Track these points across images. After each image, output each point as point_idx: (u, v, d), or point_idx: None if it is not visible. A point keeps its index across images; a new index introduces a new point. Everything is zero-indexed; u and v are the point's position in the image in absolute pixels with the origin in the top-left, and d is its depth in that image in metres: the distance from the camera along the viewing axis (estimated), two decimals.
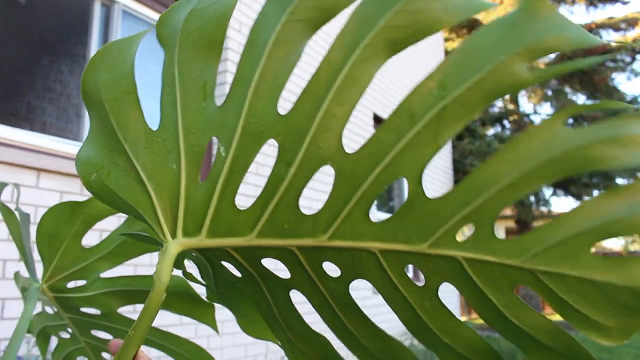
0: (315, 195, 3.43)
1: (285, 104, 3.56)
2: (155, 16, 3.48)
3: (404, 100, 0.44)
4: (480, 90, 0.42)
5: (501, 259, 0.44)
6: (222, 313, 3.05)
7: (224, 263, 0.55)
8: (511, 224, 13.02)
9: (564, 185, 11.69)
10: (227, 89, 3.50)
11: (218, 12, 0.49)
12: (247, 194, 2.99)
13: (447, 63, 0.43)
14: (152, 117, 0.49)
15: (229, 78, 3.68)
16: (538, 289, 0.44)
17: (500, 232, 14.16)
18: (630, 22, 13.54)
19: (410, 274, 1.61)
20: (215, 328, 0.74)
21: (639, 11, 13.71)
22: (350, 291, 0.52)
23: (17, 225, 0.74)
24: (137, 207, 0.49)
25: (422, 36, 0.44)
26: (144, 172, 0.49)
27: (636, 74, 13.38)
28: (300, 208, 0.49)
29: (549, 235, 0.42)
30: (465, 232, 0.46)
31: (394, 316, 0.51)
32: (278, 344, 0.61)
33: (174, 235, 0.50)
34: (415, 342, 5.12)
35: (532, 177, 0.42)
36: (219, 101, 0.47)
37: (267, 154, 3.16)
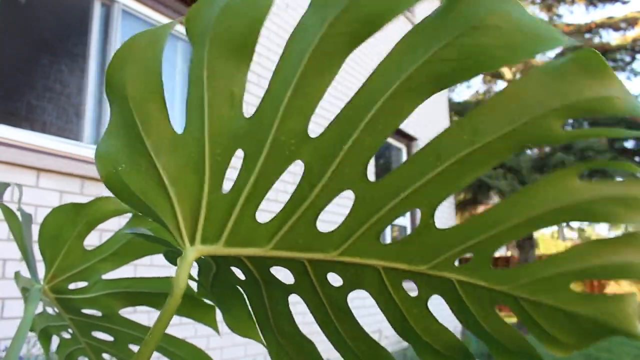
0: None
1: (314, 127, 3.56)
2: (155, 16, 3.48)
3: (433, 140, 0.44)
4: (510, 139, 0.42)
5: (491, 285, 0.48)
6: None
7: (232, 267, 0.55)
8: None
9: None
10: (247, 97, 3.50)
11: (253, 12, 0.46)
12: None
13: (481, 109, 0.42)
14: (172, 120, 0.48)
15: (250, 87, 3.68)
16: (515, 311, 0.48)
17: None
18: (630, 22, 13.55)
19: None
20: (216, 329, 0.74)
21: (639, 11, 13.72)
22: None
23: (18, 225, 0.74)
24: (157, 210, 0.49)
25: (475, 74, 0.41)
26: (167, 176, 0.48)
27: (636, 74, 13.39)
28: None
29: (537, 270, 0.46)
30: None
31: (376, 309, 0.53)
32: (263, 344, 0.62)
33: (192, 242, 0.49)
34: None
35: (537, 222, 0.44)
36: (247, 109, 0.46)
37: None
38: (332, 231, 0.49)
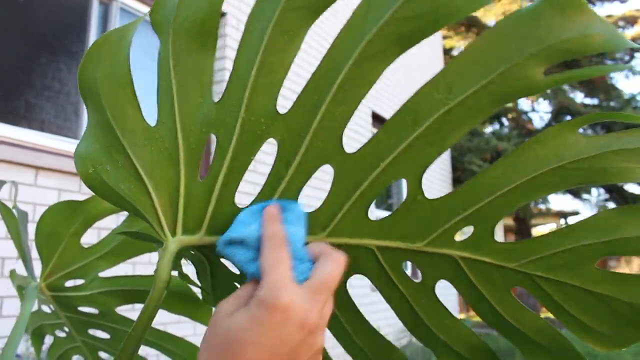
0: (313, 192, 3.44)
1: (284, 102, 3.55)
2: None
3: (407, 102, 0.43)
4: (489, 93, 0.40)
5: (499, 261, 0.45)
6: None
7: (223, 261, 0.55)
8: (509, 221, 13.03)
9: None
10: (223, 85, 3.50)
11: None
12: (246, 192, 2.98)
13: (454, 63, 0.41)
14: (151, 113, 0.48)
15: (228, 76, 3.67)
16: (534, 292, 0.44)
17: (498, 230, 14.18)
18: (629, 21, 13.55)
19: (409, 272, 1.60)
20: None
21: (638, 9, 13.71)
22: (348, 288, 0.52)
23: (15, 223, 0.74)
24: (137, 204, 0.49)
25: (438, 28, 0.40)
26: (143, 169, 0.48)
27: (634, 72, 13.39)
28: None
29: (552, 243, 0.43)
30: (465, 232, 0.46)
31: (391, 313, 0.51)
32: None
33: (173, 233, 0.49)
34: (414, 339, 5.13)
35: (539, 184, 0.41)
36: (216, 97, 0.46)
37: (267, 152, 3.14)
38: (317, 210, 0.48)
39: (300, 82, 4.34)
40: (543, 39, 0.37)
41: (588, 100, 12.07)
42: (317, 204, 0.47)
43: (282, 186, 0.47)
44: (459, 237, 0.46)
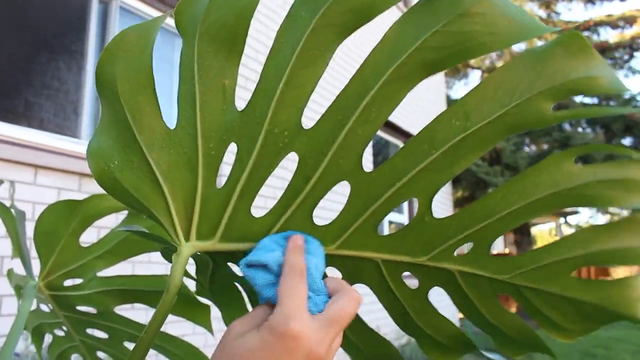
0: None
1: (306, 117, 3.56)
2: (153, 13, 3.47)
3: (426, 128, 0.44)
4: (502, 123, 0.43)
5: (491, 274, 0.49)
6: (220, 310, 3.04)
7: (229, 264, 0.55)
8: None
9: None
10: (239, 91, 3.50)
11: (241, 3, 0.46)
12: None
13: (472, 94, 0.43)
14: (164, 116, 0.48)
15: (241, 82, 3.67)
16: (517, 298, 0.49)
17: None
18: (628, 20, 13.55)
19: None
20: (210, 330, 0.74)
21: (637, 9, 13.72)
22: None
23: (13, 222, 0.74)
24: (151, 207, 0.48)
25: (462, 59, 0.42)
26: (160, 172, 0.48)
27: (634, 72, 13.40)
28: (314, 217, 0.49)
29: (537, 258, 0.47)
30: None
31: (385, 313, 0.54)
32: None
33: (187, 238, 0.49)
34: (412, 340, 5.13)
35: (534, 208, 0.45)
36: (242, 104, 0.45)
37: (285, 167, 3.14)
38: (329, 224, 0.49)
39: (323, 98, 4.35)
40: (552, 78, 0.41)
41: (588, 100, 12.07)
42: (324, 214, 0.48)
43: (299, 200, 0.48)
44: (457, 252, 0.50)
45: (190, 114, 0.47)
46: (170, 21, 3.38)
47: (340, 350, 0.58)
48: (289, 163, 2.84)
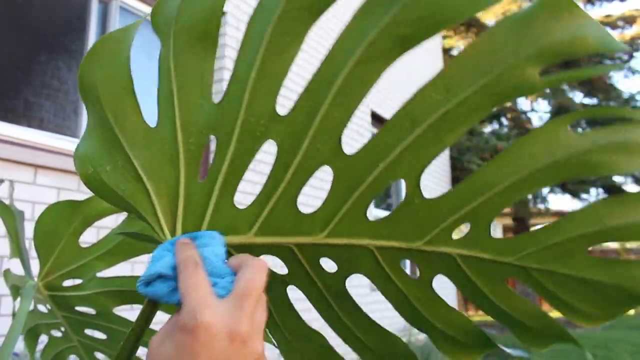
0: (312, 192, 3.45)
1: (284, 103, 3.55)
2: None
3: (406, 103, 0.43)
4: (486, 94, 0.41)
5: (495, 256, 0.46)
6: None
7: None
8: (508, 221, 13.04)
9: (562, 183, 11.71)
10: (224, 86, 3.49)
11: (211, 0, 0.46)
12: (246, 191, 2.97)
13: (452, 65, 0.41)
14: (150, 114, 0.48)
15: (227, 75, 3.67)
16: (528, 282, 0.46)
17: (497, 230, 14.19)
18: (628, 20, 13.55)
19: (407, 268, 1.59)
20: None
21: (637, 9, 13.72)
22: (347, 287, 0.52)
23: (13, 221, 0.74)
24: (137, 205, 0.49)
25: (437, 30, 0.40)
26: (143, 170, 0.48)
27: (634, 72, 13.41)
28: (298, 205, 0.49)
29: (544, 237, 0.44)
30: (462, 229, 0.47)
31: (393, 313, 0.52)
32: (273, 344, 0.61)
33: (173, 234, 0.49)
34: (413, 339, 5.14)
35: (532, 181, 0.42)
36: (216, 98, 0.46)
37: (268, 152, 3.13)
38: (316, 211, 0.48)
39: (299, 83, 4.34)
40: (537, 41, 0.38)
41: (587, 100, 12.07)
42: (318, 203, 0.47)
43: (281, 188, 0.48)
44: (456, 234, 0.47)
45: (169, 111, 0.48)
46: None
47: (349, 349, 0.57)
48: (270, 157, 2.83)
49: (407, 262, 4.61)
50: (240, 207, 0.49)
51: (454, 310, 0.50)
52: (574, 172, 0.41)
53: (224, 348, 0.36)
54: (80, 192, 2.76)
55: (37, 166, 2.59)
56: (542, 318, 0.47)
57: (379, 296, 0.52)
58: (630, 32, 13.62)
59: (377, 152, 0.45)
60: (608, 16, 13.78)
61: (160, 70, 0.48)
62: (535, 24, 0.38)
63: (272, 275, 0.54)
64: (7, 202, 0.83)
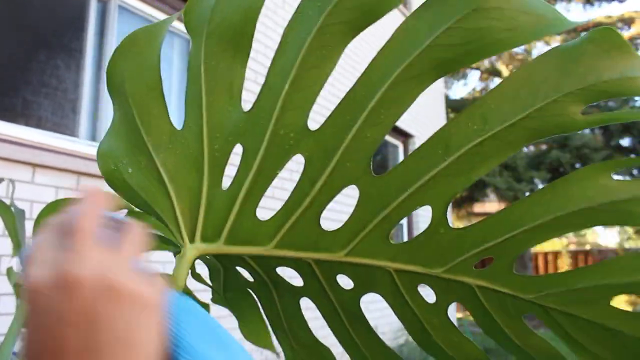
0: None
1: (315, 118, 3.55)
2: (151, 12, 3.46)
3: (441, 130, 0.42)
4: (523, 128, 0.39)
5: (514, 291, 0.45)
6: (218, 309, 3.04)
7: (238, 269, 0.54)
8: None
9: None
10: (244, 93, 3.48)
11: (247, 3, 0.45)
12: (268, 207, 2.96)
13: (491, 95, 0.40)
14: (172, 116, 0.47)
15: (245, 82, 3.66)
16: (547, 322, 0.45)
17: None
18: (627, 21, 13.56)
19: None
20: None
21: (636, 10, 13.74)
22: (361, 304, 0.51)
23: (13, 220, 0.73)
24: (157, 207, 0.48)
25: (478, 58, 0.39)
26: (166, 173, 0.47)
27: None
28: (321, 221, 0.48)
29: (571, 280, 0.43)
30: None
31: (389, 312, 0.51)
32: (276, 354, 0.61)
33: (192, 240, 0.48)
34: (410, 339, 5.13)
35: (562, 224, 0.41)
36: (244, 106, 0.44)
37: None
38: (338, 230, 0.47)
39: (332, 100, 4.34)
40: (583, 78, 0.37)
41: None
42: (337, 216, 0.46)
43: (305, 203, 0.47)
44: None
45: (196, 115, 0.47)
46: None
47: (342, 349, 0.56)
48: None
49: None
50: (262, 220, 0.48)
51: (466, 339, 0.49)
52: (610, 220, 0.40)
53: (57, 300, 0.29)
54: (78, 191, 2.75)
55: (35, 165, 2.59)
56: (554, 356, 0.46)
57: (376, 296, 0.52)
58: (629, 33, 13.63)
59: (406, 176, 0.44)
60: (608, 17, 13.79)
61: (190, 73, 0.47)
62: (581, 60, 0.37)
63: (287, 285, 0.53)
64: (7, 201, 0.82)
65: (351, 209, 0.47)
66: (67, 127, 3.23)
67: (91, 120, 3.09)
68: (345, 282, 0.49)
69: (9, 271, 0.73)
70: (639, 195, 0.38)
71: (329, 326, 0.54)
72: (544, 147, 11.33)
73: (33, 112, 3.76)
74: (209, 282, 0.62)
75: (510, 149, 0.41)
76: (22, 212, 0.75)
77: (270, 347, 0.61)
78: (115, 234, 0.33)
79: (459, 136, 0.41)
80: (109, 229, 0.34)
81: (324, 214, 0.48)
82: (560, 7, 14.24)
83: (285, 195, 0.46)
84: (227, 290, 0.58)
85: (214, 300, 0.67)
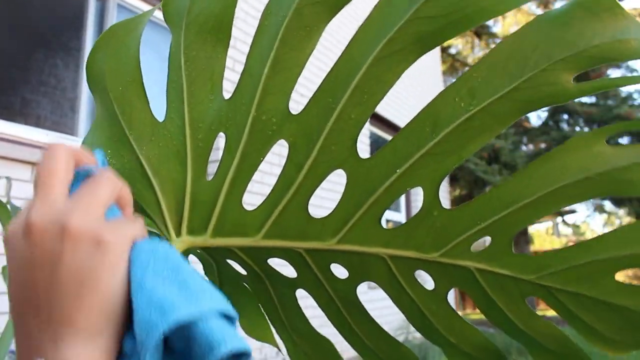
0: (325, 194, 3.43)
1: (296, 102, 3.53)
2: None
3: (426, 107, 0.41)
4: (513, 100, 0.38)
5: (515, 273, 0.43)
6: None
7: (230, 262, 0.54)
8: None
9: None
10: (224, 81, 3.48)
11: None
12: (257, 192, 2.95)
13: (478, 67, 0.38)
14: (156, 108, 0.46)
15: (225, 70, 3.65)
16: (550, 303, 0.43)
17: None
18: None
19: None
20: None
21: (635, 7, 13.74)
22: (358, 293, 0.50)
23: (9, 218, 0.73)
24: (142, 202, 0.47)
25: (462, 29, 0.37)
26: (149, 166, 0.47)
27: (631, 71, 13.41)
28: (310, 208, 0.47)
29: (570, 256, 0.41)
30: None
31: (390, 310, 0.51)
32: (278, 348, 0.60)
33: (178, 233, 0.47)
34: (410, 337, 5.14)
35: (560, 196, 0.40)
36: (226, 94, 0.44)
37: (280, 155, 3.10)
38: (327, 216, 0.46)
39: (314, 81, 4.33)
40: (573, 44, 0.35)
41: (585, 99, 12.07)
42: (329, 205, 0.46)
43: (292, 190, 0.46)
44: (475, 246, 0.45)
45: (178, 106, 0.46)
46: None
47: (349, 347, 0.55)
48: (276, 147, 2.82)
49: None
50: (250, 208, 0.47)
51: (468, 324, 0.48)
52: (607, 189, 0.38)
53: (20, 245, 0.31)
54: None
55: (34, 164, 2.59)
56: (563, 342, 0.44)
57: (376, 294, 0.51)
58: None
59: (394, 158, 0.42)
60: None
61: (170, 64, 0.46)
62: (572, 26, 0.35)
63: (281, 277, 0.52)
64: (4, 199, 0.82)
65: (339, 196, 0.46)
66: (65, 125, 3.23)
67: (90, 119, 3.09)
68: (340, 272, 0.49)
69: (4, 270, 0.73)
70: (633, 162, 0.37)
71: (327, 317, 0.53)
72: (543, 145, 11.34)
73: (32, 111, 3.76)
74: (205, 278, 0.62)
75: (500, 123, 0.39)
76: (20, 210, 0.75)
77: (272, 342, 0.60)
78: (84, 183, 0.34)
79: (446, 112, 0.40)
80: (80, 179, 0.35)
81: (313, 201, 0.47)
82: (559, 4, 14.24)
83: (274, 181, 0.45)
84: (223, 284, 0.58)
85: None
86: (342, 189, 0.46)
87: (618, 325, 0.41)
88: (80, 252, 0.30)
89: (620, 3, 0.35)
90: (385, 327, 0.51)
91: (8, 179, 0.77)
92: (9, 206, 0.73)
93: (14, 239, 0.31)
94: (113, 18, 3.22)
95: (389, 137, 6.37)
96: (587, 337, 0.43)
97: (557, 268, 0.42)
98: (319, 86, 0.43)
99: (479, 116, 0.39)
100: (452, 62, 14.35)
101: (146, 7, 3.44)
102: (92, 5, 3.16)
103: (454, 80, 0.41)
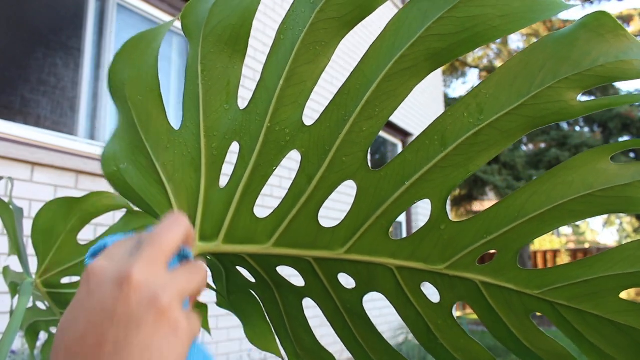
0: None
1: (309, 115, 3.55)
2: (150, 10, 3.46)
3: (436, 121, 0.41)
4: (520, 116, 0.39)
5: (520, 287, 0.44)
6: (217, 308, 3.04)
7: (239, 268, 0.54)
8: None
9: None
10: (242, 91, 3.49)
11: (244, 4, 0.46)
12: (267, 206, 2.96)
13: (487, 83, 0.39)
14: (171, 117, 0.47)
15: (244, 80, 3.67)
16: (554, 320, 0.43)
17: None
18: (625, 19, 13.57)
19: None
20: (207, 329, 0.74)
21: (634, 8, 13.74)
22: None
23: (11, 218, 0.73)
24: (156, 207, 0.48)
25: (472, 47, 0.39)
26: (164, 172, 0.48)
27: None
28: (320, 218, 0.48)
29: (576, 272, 0.41)
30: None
31: (391, 310, 0.51)
32: (281, 358, 0.60)
33: None
34: (410, 337, 5.14)
35: (565, 212, 0.40)
36: (241, 104, 0.45)
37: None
38: (337, 226, 0.47)
39: (327, 94, 4.34)
40: (579, 63, 0.36)
41: (584, 97, 12.06)
42: (337, 215, 0.46)
43: (303, 200, 0.46)
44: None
45: (194, 115, 0.47)
46: (168, 19, 3.38)
47: (343, 347, 0.55)
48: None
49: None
50: (260, 217, 0.48)
51: (474, 341, 0.48)
52: (611, 206, 0.39)
53: (109, 292, 0.31)
54: (77, 190, 2.75)
55: (33, 163, 2.59)
56: (566, 358, 0.44)
57: (375, 295, 0.51)
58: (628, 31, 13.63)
59: (403, 170, 0.43)
60: None
61: (188, 73, 0.47)
62: (576, 45, 0.36)
63: (289, 286, 0.53)
64: (5, 199, 0.82)
65: (349, 207, 0.47)
66: (65, 125, 3.23)
67: (90, 119, 3.09)
68: (347, 282, 0.49)
69: (5, 270, 0.73)
70: (637, 179, 0.38)
71: (333, 327, 0.53)
72: (542, 145, 11.34)
73: (32, 110, 3.76)
74: (213, 285, 0.62)
75: (507, 139, 0.40)
76: (21, 210, 0.75)
77: (276, 352, 0.60)
78: (180, 264, 0.36)
79: (455, 127, 0.41)
80: (179, 257, 0.37)
81: (322, 212, 0.47)
82: (565, 27, 14.27)
83: (284, 194, 0.45)
84: (230, 292, 0.58)
85: (218, 303, 0.67)
86: (347, 199, 0.47)
87: (623, 345, 0.41)
88: (161, 330, 0.30)
89: (620, 3, 0.35)
90: (386, 327, 0.52)
91: (10, 179, 0.77)
92: (11, 206, 0.73)
93: (102, 279, 0.31)
94: (113, 18, 3.22)
95: (384, 136, 6.38)
96: (590, 355, 0.43)
97: (562, 283, 0.42)
98: (332, 99, 0.44)
99: (487, 131, 0.40)
100: (451, 62, 14.36)
101: (145, 7, 3.43)
102: (92, 5, 3.16)
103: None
